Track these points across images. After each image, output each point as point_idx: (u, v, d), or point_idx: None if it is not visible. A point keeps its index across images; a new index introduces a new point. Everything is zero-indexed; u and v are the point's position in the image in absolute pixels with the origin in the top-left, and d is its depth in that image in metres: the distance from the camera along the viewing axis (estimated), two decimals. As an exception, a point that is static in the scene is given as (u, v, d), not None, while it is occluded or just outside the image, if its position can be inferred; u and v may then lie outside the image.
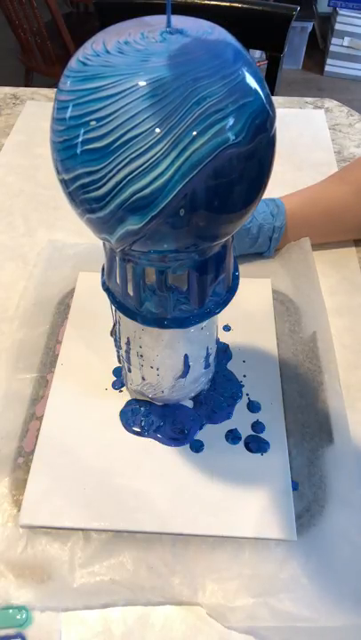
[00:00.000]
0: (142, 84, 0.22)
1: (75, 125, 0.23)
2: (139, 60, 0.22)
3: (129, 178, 0.22)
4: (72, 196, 0.25)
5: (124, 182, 0.23)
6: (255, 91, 0.23)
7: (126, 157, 0.22)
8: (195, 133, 0.22)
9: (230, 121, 0.22)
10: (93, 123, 0.22)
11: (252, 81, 0.23)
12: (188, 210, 0.23)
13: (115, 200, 0.23)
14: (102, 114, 0.22)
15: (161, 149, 0.22)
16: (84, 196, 0.24)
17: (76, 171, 0.24)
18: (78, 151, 0.23)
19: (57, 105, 0.24)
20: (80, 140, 0.23)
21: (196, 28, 0.24)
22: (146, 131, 0.22)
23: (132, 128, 0.22)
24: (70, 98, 0.23)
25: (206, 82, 0.22)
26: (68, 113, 0.23)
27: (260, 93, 0.24)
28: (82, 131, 0.23)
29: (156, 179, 0.22)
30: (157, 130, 0.22)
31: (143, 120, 0.22)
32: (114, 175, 0.23)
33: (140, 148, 0.22)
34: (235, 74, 0.23)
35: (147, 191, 0.23)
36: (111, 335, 0.42)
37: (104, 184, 0.23)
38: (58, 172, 0.25)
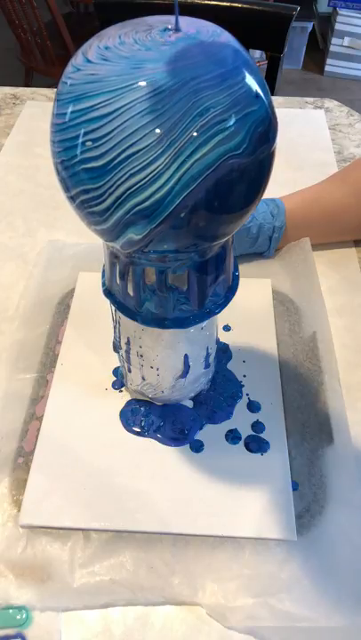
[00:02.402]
0: (139, 99, 0.21)
1: (71, 147, 0.23)
2: (130, 68, 0.21)
3: (129, 192, 0.22)
4: (77, 210, 0.26)
5: (125, 197, 0.22)
6: (260, 99, 0.23)
7: (125, 173, 0.22)
8: (197, 145, 0.21)
9: (233, 131, 0.22)
10: (89, 143, 0.22)
11: (257, 89, 0.23)
12: (188, 213, 0.23)
13: (116, 213, 0.23)
14: (98, 134, 0.22)
15: (161, 163, 0.21)
16: (87, 211, 0.24)
17: (77, 188, 0.24)
18: (77, 171, 0.23)
19: (52, 128, 0.24)
20: (77, 159, 0.23)
21: (198, 30, 0.23)
22: (145, 147, 0.21)
23: (131, 145, 0.21)
24: (62, 121, 0.23)
25: (210, 92, 0.21)
26: (63, 135, 0.23)
27: (264, 101, 0.23)
28: (78, 151, 0.22)
29: (156, 191, 0.22)
30: (158, 145, 0.21)
31: (142, 137, 0.21)
32: (114, 191, 0.22)
33: (140, 163, 0.21)
34: (240, 82, 0.22)
35: (147, 204, 0.22)
36: (114, 350, 0.41)
37: (105, 199, 0.23)
38: (62, 190, 0.26)
